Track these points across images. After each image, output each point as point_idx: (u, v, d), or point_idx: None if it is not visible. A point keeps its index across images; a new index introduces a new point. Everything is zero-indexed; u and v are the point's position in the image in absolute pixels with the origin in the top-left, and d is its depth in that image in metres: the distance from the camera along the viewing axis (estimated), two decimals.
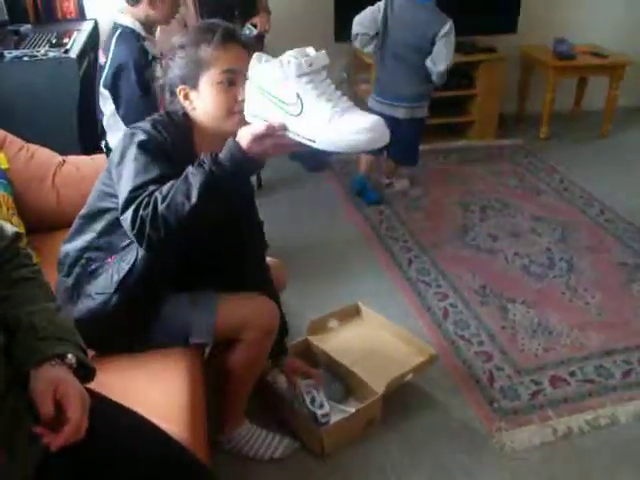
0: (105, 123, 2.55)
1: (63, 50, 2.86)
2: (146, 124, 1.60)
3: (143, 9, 2.50)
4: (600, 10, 4.80)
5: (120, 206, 1.46)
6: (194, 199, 1.35)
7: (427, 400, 2.28)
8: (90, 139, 2.85)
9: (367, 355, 2.29)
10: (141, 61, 2.40)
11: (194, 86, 1.61)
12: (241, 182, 1.45)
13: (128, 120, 2.35)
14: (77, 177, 2.31)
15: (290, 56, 1.31)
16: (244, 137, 1.36)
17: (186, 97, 1.64)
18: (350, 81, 4.49)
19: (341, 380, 2.22)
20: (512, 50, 4.55)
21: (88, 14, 3.69)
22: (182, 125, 1.65)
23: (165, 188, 1.40)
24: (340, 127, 1.27)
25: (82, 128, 2.88)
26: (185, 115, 1.67)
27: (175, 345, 1.74)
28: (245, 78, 1.42)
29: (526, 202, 3.67)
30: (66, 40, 3.01)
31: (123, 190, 1.47)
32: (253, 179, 3.49)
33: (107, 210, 1.65)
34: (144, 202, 1.40)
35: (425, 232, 3.34)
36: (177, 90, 1.64)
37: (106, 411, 1.22)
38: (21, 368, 1.13)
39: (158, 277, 1.66)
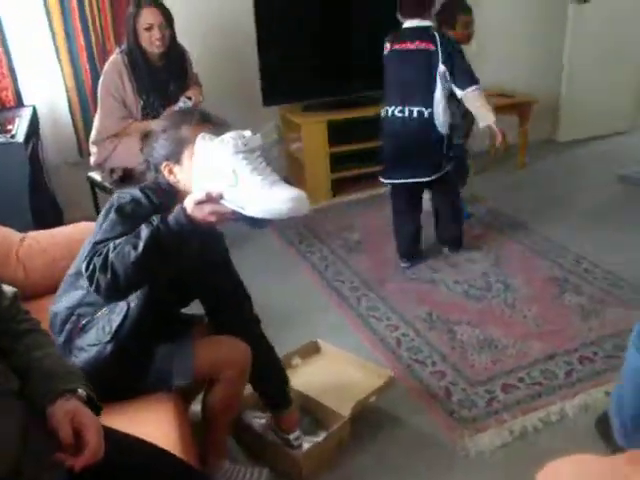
0: None
1: (9, 135, 3.00)
2: (135, 190, 1.77)
3: None
4: (502, 56, 5.21)
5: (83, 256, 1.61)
6: (139, 250, 1.51)
7: (393, 420, 2.44)
8: (42, 216, 2.97)
9: (331, 386, 2.44)
10: None
11: (177, 161, 1.77)
12: (183, 242, 1.57)
13: None
14: (39, 249, 2.42)
15: (229, 136, 1.52)
16: (188, 203, 1.53)
17: (170, 172, 1.79)
18: (282, 142, 4.73)
19: (310, 414, 2.36)
20: None
21: (26, 101, 3.85)
22: (168, 191, 1.80)
23: (119, 240, 1.56)
24: (267, 197, 1.47)
25: (33, 207, 3.00)
26: (169, 184, 1.82)
27: (160, 390, 1.86)
28: None
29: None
30: (10, 127, 3.16)
31: (88, 243, 1.63)
32: None
33: None
34: (99, 251, 1.56)
35: (369, 272, 3.53)
36: (162, 167, 1.79)
37: (115, 436, 1.35)
38: (37, 408, 1.26)
39: (148, 327, 1.80)
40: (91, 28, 3.97)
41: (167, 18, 3.44)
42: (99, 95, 3.52)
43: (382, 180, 3.56)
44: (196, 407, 2.16)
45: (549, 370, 2.66)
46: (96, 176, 3.71)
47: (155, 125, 1.87)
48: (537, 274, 3.42)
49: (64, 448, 1.23)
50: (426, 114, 3.27)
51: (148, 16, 3.39)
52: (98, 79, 3.96)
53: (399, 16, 3.39)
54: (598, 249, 3.62)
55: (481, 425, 2.38)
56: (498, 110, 4.85)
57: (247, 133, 1.56)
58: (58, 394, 1.28)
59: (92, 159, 3.63)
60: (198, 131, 1.70)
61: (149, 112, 3.55)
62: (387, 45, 3.44)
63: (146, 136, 2.55)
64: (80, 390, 1.31)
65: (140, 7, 3.40)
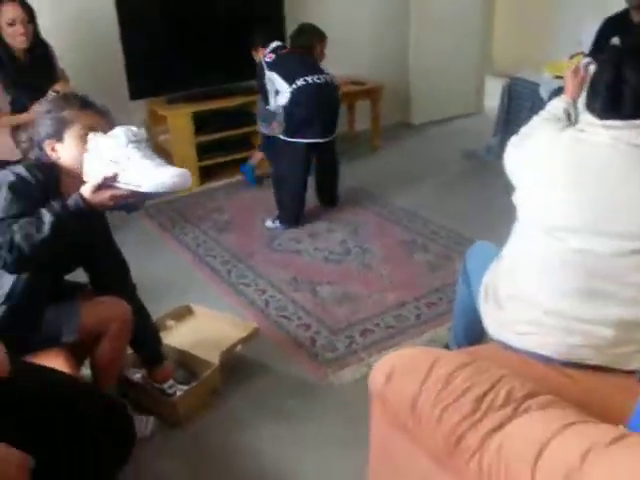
0: None
1: None
2: (18, 167, 1.91)
3: None
4: (352, 46, 5.59)
5: None
6: (44, 232, 1.73)
7: (264, 368, 2.70)
8: None
9: (202, 341, 2.68)
10: None
11: (59, 139, 1.94)
12: (83, 224, 1.82)
13: None
14: None
15: (120, 131, 1.83)
16: (85, 190, 1.77)
17: (53, 149, 1.95)
18: (150, 134, 4.87)
19: (185, 366, 2.58)
20: None
21: None
22: (50, 168, 1.95)
23: (22, 221, 1.75)
24: (159, 174, 1.76)
25: None
26: (48, 160, 1.97)
27: (50, 347, 2.02)
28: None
29: (319, 211, 4.24)
30: None
31: None
32: None
33: None
34: (2, 231, 1.74)
35: (238, 247, 3.78)
36: (45, 144, 1.95)
37: (20, 363, 1.54)
38: None
39: (37, 290, 1.98)
40: None
41: (29, 13, 3.53)
42: None
43: (290, 140, 3.96)
44: (87, 371, 2.33)
45: (401, 315, 3.02)
46: None
47: (38, 107, 2.04)
48: (391, 239, 3.79)
49: None
50: (334, 80, 4.04)
51: (9, 11, 3.47)
52: None
53: None
54: (444, 214, 4.03)
55: (342, 363, 2.70)
56: (352, 97, 5.27)
57: (134, 127, 1.87)
58: None
59: None
60: (80, 114, 1.94)
61: (18, 106, 3.63)
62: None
63: (16, 129, 2.69)
64: None
65: (1, 3, 3.48)
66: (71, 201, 1.78)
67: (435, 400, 1.48)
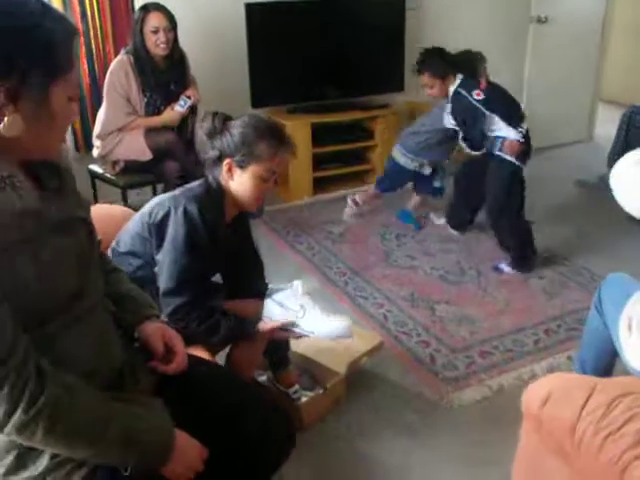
0: None
1: None
2: (191, 204, 1.97)
3: None
4: None
5: (164, 289, 1.96)
6: (215, 338, 2.02)
7: (384, 381, 2.76)
8: None
9: (326, 349, 2.71)
10: None
11: (241, 167, 1.98)
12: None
13: None
14: None
15: (297, 284, 2.27)
16: (265, 325, 2.07)
17: (229, 170, 2.00)
18: None
19: (309, 372, 2.66)
20: (402, 105, 5.27)
21: None
22: (217, 195, 2.04)
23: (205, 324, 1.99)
24: (330, 326, 2.15)
25: None
26: (218, 185, 2.04)
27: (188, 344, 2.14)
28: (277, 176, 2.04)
29: (432, 228, 4.29)
30: None
31: (170, 275, 1.96)
32: None
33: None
34: (185, 315, 1.96)
35: (353, 259, 3.86)
36: (225, 160, 2.00)
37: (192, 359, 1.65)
38: (128, 328, 1.55)
39: None
40: (91, 30, 4.21)
41: (171, 22, 3.74)
42: (105, 91, 3.78)
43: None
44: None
45: (519, 340, 3.03)
46: (97, 168, 3.98)
47: (241, 120, 2.02)
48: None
49: (156, 358, 1.53)
50: None
51: (154, 20, 3.68)
52: (96, 80, 4.26)
53: None
54: (557, 241, 4.01)
55: (463, 384, 2.73)
56: None
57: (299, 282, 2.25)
58: (146, 316, 1.58)
59: (96, 152, 3.89)
60: (273, 156, 1.96)
61: (152, 109, 3.85)
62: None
63: (149, 131, 2.79)
64: (162, 316, 1.61)
65: (147, 11, 3.69)
66: (248, 326, 2.06)
67: (596, 427, 1.51)
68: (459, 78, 3.58)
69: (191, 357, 1.63)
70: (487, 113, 3.48)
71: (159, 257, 2.00)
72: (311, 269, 3.76)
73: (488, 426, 2.49)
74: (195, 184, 2.09)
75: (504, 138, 3.51)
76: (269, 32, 4.61)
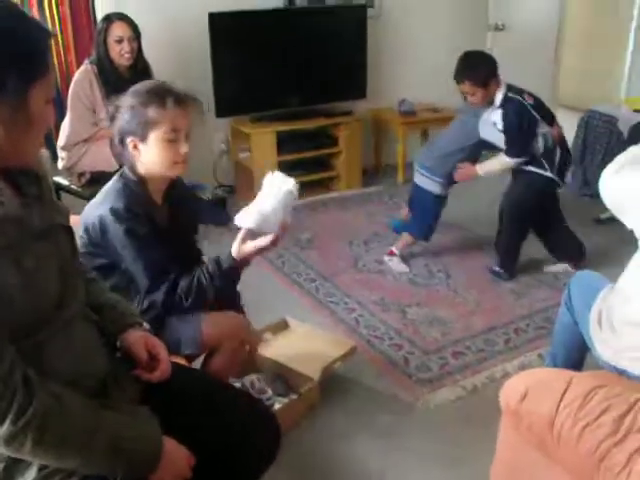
0: None
1: None
2: (117, 202, 1.96)
3: None
4: (430, 75, 5.71)
5: (143, 290, 1.99)
6: (210, 296, 2.03)
7: (358, 385, 2.77)
8: None
9: (300, 354, 2.74)
10: None
11: (143, 140, 1.95)
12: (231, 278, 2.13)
13: None
14: None
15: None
16: (245, 248, 2.03)
17: (135, 147, 1.96)
18: (230, 151, 5.04)
19: (282, 378, 2.65)
20: (365, 112, 5.33)
21: None
22: (137, 184, 2.02)
23: (184, 287, 2.00)
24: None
25: None
26: (134, 172, 2.01)
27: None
28: (185, 134, 1.99)
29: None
30: None
31: (139, 274, 1.98)
32: None
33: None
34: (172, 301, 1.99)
35: (322, 265, 3.87)
36: (128, 141, 1.96)
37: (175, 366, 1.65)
38: (111, 336, 1.54)
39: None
40: (52, 40, 4.17)
41: (135, 32, 3.72)
42: (69, 102, 3.74)
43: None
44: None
45: (490, 339, 3.07)
46: (62, 180, 3.93)
47: (122, 100, 1.98)
48: (475, 264, 3.86)
49: (139, 366, 1.52)
50: None
51: (118, 30, 3.67)
52: (59, 91, 4.21)
53: None
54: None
55: (437, 384, 2.76)
56: (427, 123, 5.37)
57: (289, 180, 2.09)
58: (129, 324, 1.57)
59: (61, 163, 3.84)
60: (165, 114, 1.91)
61: None
62: None
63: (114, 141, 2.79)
64: (145, 323, 1.61)
65: (111, 21, 3.67)
66: (227, 261, 2.03)
67: (574, 418, 1.54)
68: (504, 83, 3.49)
69: (174, 364, 1.63)
70: (538, 117, 3.46)
71: (124, 265, 2.01)
72: (280, 277, 3.77)
73: (463, 426, 2.51)
74: (110, 182, 2.07)
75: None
76: (232, 41, 4.62)
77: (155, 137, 1.94)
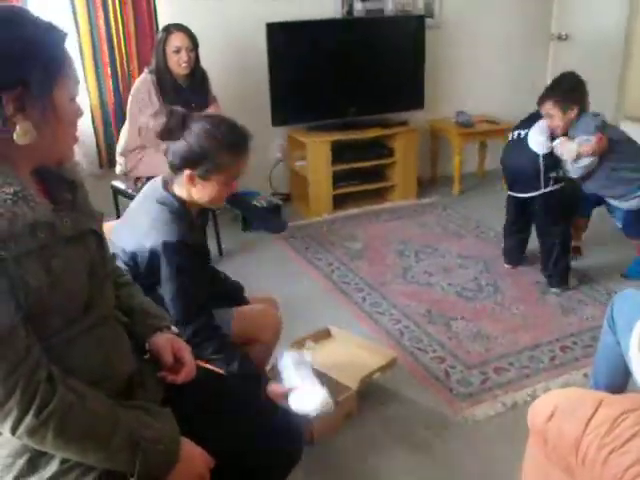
0: None
1: None
2: (172, 236, 1.95)
3: None
4: (489, 86, 5.67)
5: (174, 317, 1.97)
6: (230, 370, 2.00)
7: (399, 397, 2.77)
8: None
9: (340, 364, 2.75)
10: None
11: (205, 178, 1.94)
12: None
13: None
14: None
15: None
16: (272, 387, 2.01)
17: (191, 181, 1.94)
18: (286, 159, 5.10)
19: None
20: (422, 123, 5.32)
21: None
22: (182, 210, 2.00)
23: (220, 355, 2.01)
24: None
25: None
26: (176, 197, 1.99)
27: None
28: None
29: (451, 245, 4.30)
30: None
31: (176, 306, 1.99)
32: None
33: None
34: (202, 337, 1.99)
35: (371, 275, 3.88)
36: (185, 171, 1.93)
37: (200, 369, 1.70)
38: (139, 339, 1.60)
39: None
40: (116, 49, 4.29)
41: (193, 42, 3.82)
42: (129, 110, 3.87)
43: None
44: None
45: (535, 357, 3.02)
46: (120, 185, 4.05)
47: (199, 127, 1.93)
48: (522, 279, 3.80)
49: (165, 368, 1.57)
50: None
51: (176, 40, 3.77)
52: (120, 98, 4.34)
53: None
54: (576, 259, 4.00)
55: (477, 399, 2.73)
56: (485, 135, 5.32)
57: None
58: (157, 328, 1.63)
59: (118, 169, 3.97)
60: (234, 162, 1.94)
61: None
62: None
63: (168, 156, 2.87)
64: (173, 327, 1.66)
65: (169, 32, 3.78)
66: (258, 380, 2.05)
67: (601, 442, 1.51)
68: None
69: (200, 368, 1.67)
70: None
71: (161, 291, 2.02)
72: (328, 285, 3.79)
73: (501, 442, 2.49)
74: (155, 210, 2.00)
75: None
76: (289, 51, 4.69)
77: (218, 180, 1.95)
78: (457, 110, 5.32)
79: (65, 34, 1.30)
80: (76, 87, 1.33)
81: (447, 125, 5.36)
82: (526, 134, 3.65)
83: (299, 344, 2.88)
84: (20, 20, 1.23)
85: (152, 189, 2.09)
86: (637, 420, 1.55)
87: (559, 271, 3.66)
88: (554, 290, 3.65)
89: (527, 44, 5.77)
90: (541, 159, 3.55)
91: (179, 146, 1.94)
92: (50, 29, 1.27)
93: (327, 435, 2.52)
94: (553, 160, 3.56)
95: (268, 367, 2.52)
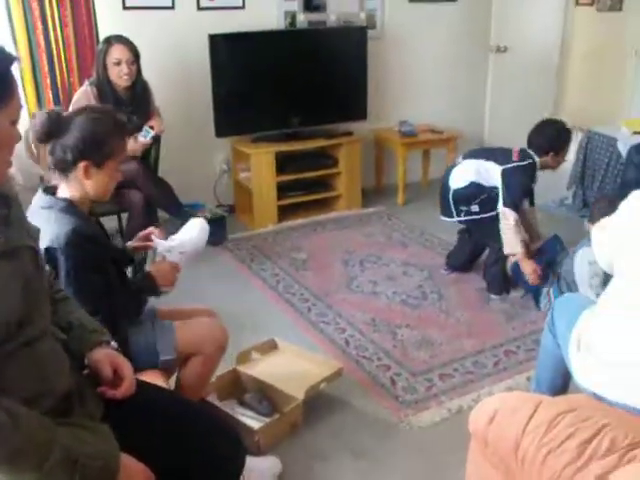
0: None
1: None
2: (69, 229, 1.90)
3: None
4: (432, 97, 5.75)
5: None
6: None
7: (344, 405, 2.77)
8: None
9: (286, 375, 2.75)
10: None
11: (100, 166, 1.94)
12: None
13: None
14: None
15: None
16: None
17: (86, 172, 1.92)
18: (231, 171, 5.07)
19: (268, 399, 2.66)
20: (366, 133, 5.35)
21: None
22: (73, 209, 1.94)
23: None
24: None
25: None
26: (65, 200, 1.94)
27: (147, 368, 2.08)
28: None
29: (396, 253, 4.33)
30: None
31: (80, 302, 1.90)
32: None
33: None
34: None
35: (317, 285, 3.88)
36: (80, 164, 1.91)
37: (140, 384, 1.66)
38: (78, 354, 1.57)
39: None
40: (55, 59, 4.20)
41: (134, 54, 3.78)
42: None
43: None
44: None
45: (479, 362, 3.06)
46: None
47: (83, 118, 1.93)
48: (466, 286, 3.85)
49: (104, 384, 1.54)
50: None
51: (117, 52, 3.73)
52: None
53: None
54: None
55: (422, 406, 2.75)
56: (429, 144, 5.39)
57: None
58: (97, 343, 1.59)
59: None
60: (121, 145, 2.01)
61: None
62: None
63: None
64: (113, 342, 1.63)
65: (110, 44, 3.74)
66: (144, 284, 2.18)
67: (539, 443, 1.54)
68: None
69: (140, 382, 1.65)
70: None
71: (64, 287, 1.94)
72: (274, 296, 3.78)
73: (447, 448, 2.50)
74: (43, 216, 1.90)
75: None
76: (232, 62, 4.67)
77: (111, 166, 1.98)
78: (400, 120, 5.38)
79: (14, 58, 1.27)
80: (19, 112, 1.30)
81: (391, 135, 5.41)
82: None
83: (245, 356, 2.87)
84: None
85: (35, 201, 1.99)
86: (573, 421, 1.58)
87: (493, 277, 3.75)
88: (493, 297, 3.71)
89: (467, 55, 5.88)
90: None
91: (69, 139, 1.91)
92: None
93: (272, 446, 2.50)
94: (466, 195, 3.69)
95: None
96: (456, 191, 3.69)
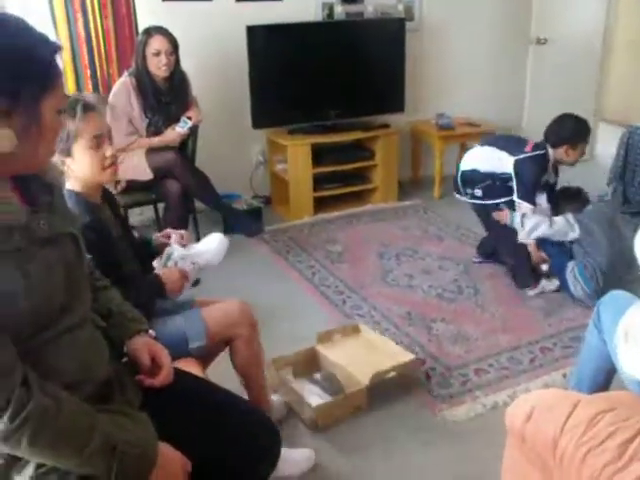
0: None
1: None
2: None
3: None
4: (469, 89, 5.70)
5: None
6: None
7: (381, 398, 2.78)
8: None
9: (361, 360, 2.81)
10: None
11: (69, 154, 1.96)
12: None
13: None
14: None
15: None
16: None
17: (63, 164, 1.97)
18: (267, 163, 5.09)
19: (338, 380, 2.73)
20: (403, 125, 5.34)
21: None
22: (81, 199, 1.99)
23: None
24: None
25: None
26: (71, 192, 1.97)
27: (178, 357, 2.03)
28: (107, 136, 2.03)
29: (432, 247, 4.32)
30: None
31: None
32: None
33: None
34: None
35: (352, 278, 3.88)
36: (59, 162, 1.95)
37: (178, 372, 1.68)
38: (117, 342, 1.59)
39: None
40: (95, 51, 4.26)
41: (173, 45, 3.81)
42: (107, 113, 3.84)
43: None
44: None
45: (514, 358, 3.04)
46: None
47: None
48: (502, 281, 3.82)
49: (143, 372, 1.56)
50: None
51: (156, 43, 3.76)
52: None
53: None
54: None
55: (457, 401, 2.74)
56: (466, 137, 5.34)
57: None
58: (135, 331, 1.62)
59: None
60: (83, 124, 1.94)
61: (153, 130, 3.92)
62: None
63: (150, 151, 2.77)
64: (151, 331, 1.65)
65: (149, 35, 3.77)
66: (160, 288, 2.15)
67: (578, 442, 1.52)
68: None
69: (177, 371, 1.67)
70: None
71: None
72: (309, 288, 3.79)
73: (482, 443, 2.49)
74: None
75: None
76: (270, 53, 4.68)
77: (78, 148, 1.96)
78: (438, 113, 5.34)
79: (58, 47, 1.29)
80: (64, 100, 1.32)
81: (428, 128, 5.38)
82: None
83: (326, 336, 2.97)
84: (15, 30, 1.22)
85: None
86: (613, 420, 1.56)
87: (512, 271, 3.79)
88: (530, 292, 3.67)
89: (507, 47, 5.81)
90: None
91: None
92: (44, 41, 1.26)
93: (332, 425, 2.57)
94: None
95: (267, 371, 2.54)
96: (463, 172, 3.93)
